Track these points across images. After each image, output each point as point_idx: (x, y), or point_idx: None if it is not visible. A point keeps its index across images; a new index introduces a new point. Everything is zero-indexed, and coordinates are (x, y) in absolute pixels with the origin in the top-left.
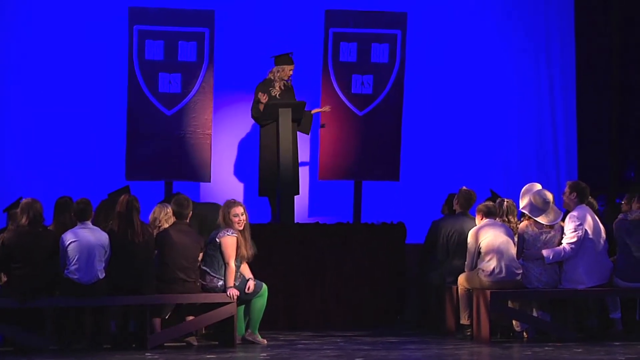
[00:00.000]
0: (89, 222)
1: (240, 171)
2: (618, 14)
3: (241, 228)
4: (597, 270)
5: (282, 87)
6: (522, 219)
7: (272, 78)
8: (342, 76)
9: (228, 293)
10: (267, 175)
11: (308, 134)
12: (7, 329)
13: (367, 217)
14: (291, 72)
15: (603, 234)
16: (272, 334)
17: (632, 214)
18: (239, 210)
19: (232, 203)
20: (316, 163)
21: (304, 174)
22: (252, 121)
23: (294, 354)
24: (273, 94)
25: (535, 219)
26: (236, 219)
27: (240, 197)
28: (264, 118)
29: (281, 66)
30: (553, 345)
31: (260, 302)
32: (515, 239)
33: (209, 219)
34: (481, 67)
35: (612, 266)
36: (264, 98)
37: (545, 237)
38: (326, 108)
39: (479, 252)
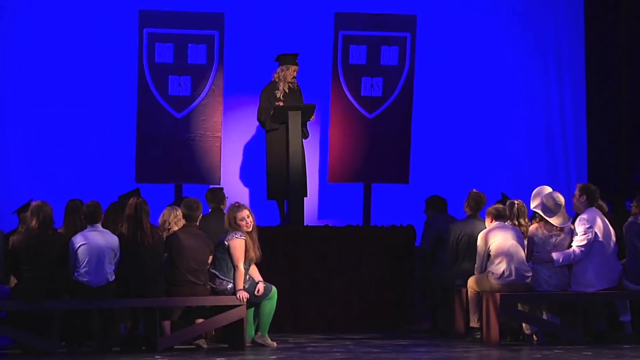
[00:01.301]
0: (98, 225)
1: (248, 174)
2: (628, 14)
3: (249, 230)
4: (607, 273)
5: (287, 90)
6: (532, 221)
7: (277, 80)
8: (352, 79)
9: (238, 296)
10: (275, 179)
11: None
12: (16, 331)
13: (376, 220)
14: (295, 73)
15: (613, 237)
16: (281, 336)
17: None
18: (245, 213)
19: (236, 207)
20: (326, 166)
21: (313, 176)
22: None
23: (304, 356)
24: (277, 96)
25: (547, 219)
26: (243, 223)
27: (247, 200)
28: (273, 121)
29: (285, 66)
30: (563, 348)
31: (270, 305)
32: (525, 242)
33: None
34: (490, 70)
35: (622, 269)
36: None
37: (555, 240)
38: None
39: (489, 255)
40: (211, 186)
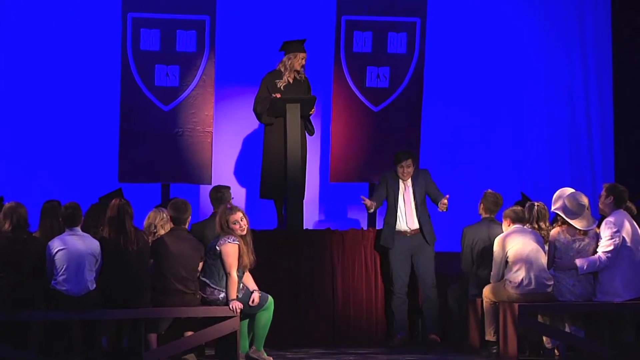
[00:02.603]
0: (78, 229)
1: (243, 173)
2: None
3: (243, 233)
4: (636, 282)
5: (291, 80)
6: (553, 225)
7: (282, 69)
8: (356, 68)
9: (230, 306)
10: (272, 177)
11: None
12: None
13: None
14: (304, 62)
15: None
16: (278, 351)
17: None
18: (238, 216)
19: (228, 209)
20: (327, 163)
21: (313, 175)
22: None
23: None
24: (279, 86)
25: (570, 221)
26: (236, 226)
27: (242, 201)
28: (269, 114)
29: (292, 54)
30: None
31: (266, 316)
32: (546, 247)
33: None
34: (508, 59)
35: None
36: (277, 95)
37: (579, 245)
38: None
39: (506, 262)
40: (215, 185)
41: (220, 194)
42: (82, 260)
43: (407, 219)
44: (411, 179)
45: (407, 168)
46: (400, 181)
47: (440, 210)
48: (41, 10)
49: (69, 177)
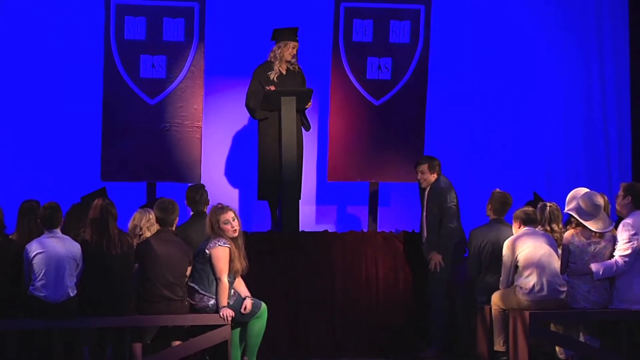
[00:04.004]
0: (57, 231)
1: (235, 171)
2: None
3: (235, 235)
4: None
5: (284, 71)
6: (567, 227)
7: (272, 59)
8: (356, 59)
9: (221, 314)
10: (267, 176)
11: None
12: None
13: (384, 225)
14: (295, 51)
15: None
16: None
17: None
18: (229, 215)
19: (219, 209)
20: (325, 161)
21: (310, 174)
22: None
23: None
24: (270, 78)
25: (584, 222)
26: (228, 227)
27: (235, 202)
28: (263, 108)
29: (282, 42)
30: None
31: (259, 325)
32: (559, 251)
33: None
34: (519, 50)
35: None
36: (271, 88)
37: (594, 249)
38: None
39: (516, 267)
40: (190, 184)
41: (198, 195)
42: (61, 265)
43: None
44: (430, 190)
45: (421, 175)
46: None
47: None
48: None
49: (49, 175)
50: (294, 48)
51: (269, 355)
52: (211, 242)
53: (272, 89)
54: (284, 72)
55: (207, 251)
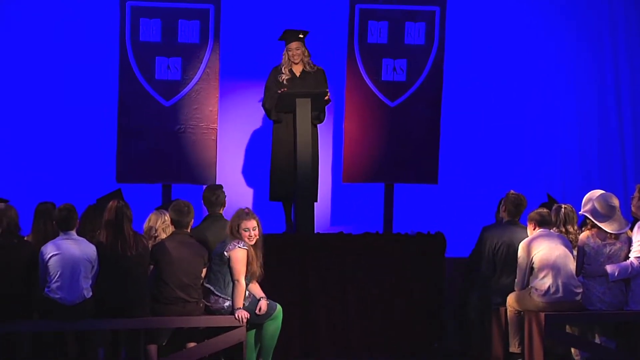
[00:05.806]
0: (73, 232)
1: (250, 172)
2: None
3: (252, 243)
4: None
5: (298, 73)
6: (582, 228)
7: (283, 62)
8: (371, 61)
9: (236, 315)
10: (281, 177)
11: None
12: None
13: (399, 227)
14: (298, 52)
15: None
16: None
17: None
18: (251, 224)
19: (244, 214)
20: (340, 163)
21: (325, 175)
22: (265, 113)
23: None
24: (280, 80)
25: (599, 224)
26: (246, 234)
27: (249, 203)
28: (278, 110)
29: (287, 44)
30: None
31: (274, 326)
32: (575, 253)
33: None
34: (534, 51)
35: None
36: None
37: (610, 250)
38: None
39: (532, 268)
40: (207, 185)
41: (214, 196)
42: (77, 267)
43: None
44: None
45: None
46: None
47: None
48: (37, 1)
49: (64, 177)
50: (296, 49)
51: (283, 356)
52: (230, 244)
53: (284, 91)
54: (297, 73)
55: (225, 253)
